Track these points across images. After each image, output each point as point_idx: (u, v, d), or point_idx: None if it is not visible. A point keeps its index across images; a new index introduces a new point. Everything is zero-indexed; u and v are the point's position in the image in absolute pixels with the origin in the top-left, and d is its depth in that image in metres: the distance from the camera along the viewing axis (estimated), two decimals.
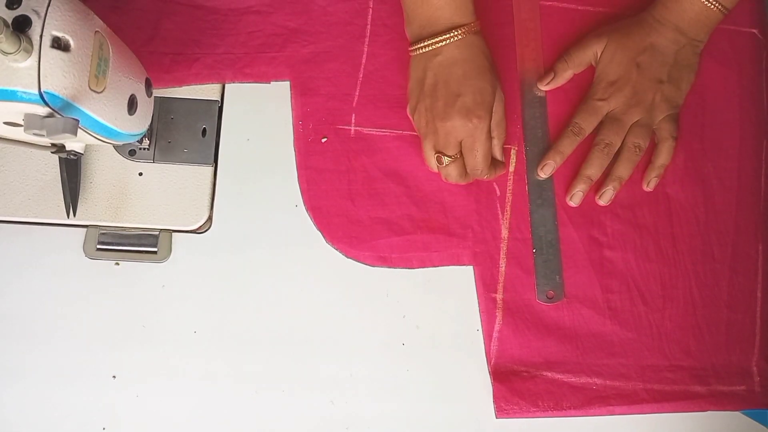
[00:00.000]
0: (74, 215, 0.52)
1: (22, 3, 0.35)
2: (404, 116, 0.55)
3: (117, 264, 0.53)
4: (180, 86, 0.56)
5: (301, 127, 0.56)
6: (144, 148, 0.54)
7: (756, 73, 0.60)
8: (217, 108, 0.56)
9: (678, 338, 0.55)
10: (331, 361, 0.53)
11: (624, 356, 0.54)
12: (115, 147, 0.54)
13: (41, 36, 0.35)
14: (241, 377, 0.52)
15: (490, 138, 0.52)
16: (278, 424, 0.52)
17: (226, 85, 0.56)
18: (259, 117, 0.56)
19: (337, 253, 0.54)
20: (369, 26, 0.58)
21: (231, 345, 0.52)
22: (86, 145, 0.51)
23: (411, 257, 0.55)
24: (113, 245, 0.53)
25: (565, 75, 0.57)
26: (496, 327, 0.54)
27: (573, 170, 0.56)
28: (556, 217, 0.56)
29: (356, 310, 0.54)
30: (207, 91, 0.56)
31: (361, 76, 0.57)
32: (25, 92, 0.35)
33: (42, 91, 0.35)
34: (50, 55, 0.36)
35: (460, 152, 0.52)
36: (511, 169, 0.57)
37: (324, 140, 0.56)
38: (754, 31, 0.60)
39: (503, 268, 0.55)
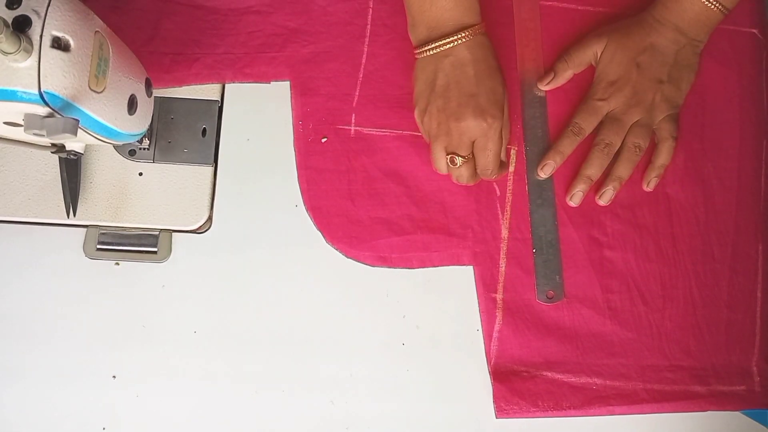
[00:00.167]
0: (74, 215, 0.52)
1: (22, 3, 0.35)
2: (404, 116, 0.55)
3: (117, 264, 0.53)
4: (180, 86, 0.56)
5: (301, 127, 0.56)
6: (144, 148, 0.54)
7: (756, 73, 0.60)
8: (217, 108, 0.56)
9: (678, 338, 0.55)
10: (331, 361, 0.53)
11: (624, 356, 0.54)
12: (115, 147, 0.54)
13: (41, 36, 0.35)
14: (241, 377, 0.52)
15: (501, 138, 0.52)
16: (278, 424, 0.52)
17: (226, 85, 0.56)
18: (259, 117, 0.56)
19: (337, 253, 0.54)
20: (369, 26, 0.58)
21: (231, 345, 0.52)
22: (86, 145, 0.51)
23: (411, 257, 0.55)
24: (113, 245, 0.53)
25: (565, 75, 0.57)
26: (496, 327, 0.54)
27: (573, 170, 0.56)
28: (556, 217, 0.56)
29: (356, 310, 0.54)
30: (207, 91, 0.56)
31: (361, 76, 0.57)
32: (25, 92, 0.35)
33: (42, 91, 0.35)
34: (50, 55, 0.36)
35: (472, 153, 0.52)
36: (511, 169, 0.57)
37: (324, 140, 0.56)
38: (754, 31, 0.60)
39: (503, 268, 0.55)
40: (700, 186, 0.57)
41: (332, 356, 0.53)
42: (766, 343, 0.56)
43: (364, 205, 0.55)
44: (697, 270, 0.56)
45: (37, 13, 0.35)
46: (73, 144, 0.48)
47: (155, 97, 0.53)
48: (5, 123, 0.38)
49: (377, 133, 0.56)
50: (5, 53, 0.34)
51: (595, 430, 0.54)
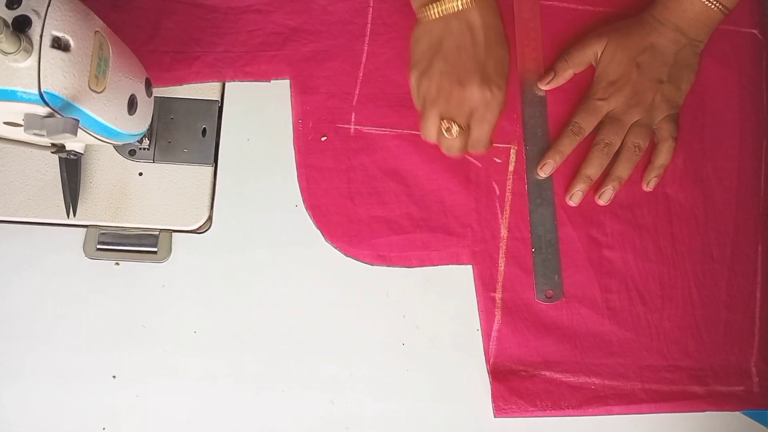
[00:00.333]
0: (74, 215, 0.52)
1: (22, 3, 0.35)
2: (404, 115, 0.55)
3: (117, 264, 0.53)
4: (180, 85, 0.56)
5: (300, 125, 0.56)
6: (144, 148, 0.54)
7: (756, 73, 0.60)
8: (217, 108, 0.56)
9: (677, 338, 0.55)
10: (331, 361, 0.53)
11: (622, 356, 0.54)
12: (115, 147, 0.54)
13: (41, 36, 0.35)
14: (241, 377, 0.52)
15: (499, 111, 0.49)
16: (278, 424, 0.52)
17: (226, 85, 0.56)
18: (259, 116, 0.56)
19: (336, 252, 0.54)
20: (369, 25, 0.58)
21: (231, 345, 0.52)
22: (86, 145, 0.50)
23: (410, 256, 0.55)
24: (113, 245, 0.53)
25: (565, 75, 0.57)
26: (495, 326, 0.54)
27: (573, 170, 0.56)
28: (555, 217, 0.56)
29: (356, 309, 0.54)
30: (207, 91, 0.56)
31: (361, 74, 0.57)
32: (25, 92, 0.35)
33: (42, 91, 0.35)
34: (50, 55, 0.36)
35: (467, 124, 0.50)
36: (511, 168, 0.57)
37: (324, 139, 0.56)
38: (754, 31, 0.60)
39: (502, 267, 0.55)
40: (700, 186, 0.57)
41: (332, 356, 0.53)
42: (764, 343, 0.56)
43: (364, 204, 0.55)
44: (696, 270, 0.56)
45: (37, 13, 0.35)
46: (73, 144, 0.48)
47: (155, 97, 0.53)
48: (5, 123, 0.38)
49: (377, 131, 0.56)
50: (5, 53, 0.34)
51: (593, 429, 0.54)
